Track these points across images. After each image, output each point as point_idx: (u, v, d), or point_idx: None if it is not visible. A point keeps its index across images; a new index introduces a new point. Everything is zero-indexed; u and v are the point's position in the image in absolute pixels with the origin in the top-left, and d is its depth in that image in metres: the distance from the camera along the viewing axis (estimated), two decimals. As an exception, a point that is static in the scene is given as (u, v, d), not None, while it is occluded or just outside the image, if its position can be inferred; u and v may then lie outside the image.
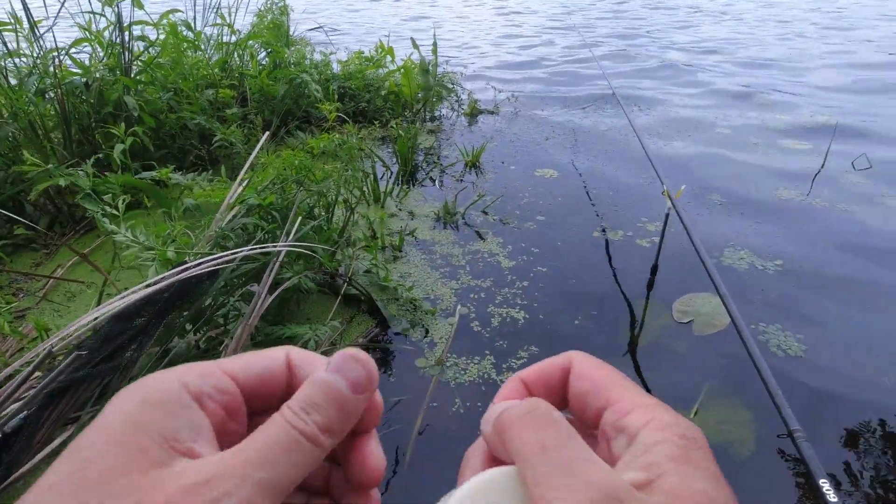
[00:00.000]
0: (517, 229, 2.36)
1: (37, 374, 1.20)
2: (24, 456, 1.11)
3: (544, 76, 5.12)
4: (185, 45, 2.95)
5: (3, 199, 2.15)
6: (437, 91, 3.93)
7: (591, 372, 0.28)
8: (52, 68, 2.30)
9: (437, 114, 4.08)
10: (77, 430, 1.23)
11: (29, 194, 2.01)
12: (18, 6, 2.33)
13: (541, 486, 0.21)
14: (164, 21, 2.79)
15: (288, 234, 1.59)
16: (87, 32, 2.58)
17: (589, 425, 0.28)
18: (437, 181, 2.90)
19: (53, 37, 2.40)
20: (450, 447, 1.35)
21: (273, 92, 3.24)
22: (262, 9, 3.72)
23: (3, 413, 1.12)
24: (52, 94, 2.31)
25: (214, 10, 3.22)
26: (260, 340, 1.58)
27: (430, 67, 3.86)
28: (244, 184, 1.86)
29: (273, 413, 0.28)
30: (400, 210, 2.56)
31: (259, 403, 0.27)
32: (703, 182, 2.76)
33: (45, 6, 2.55)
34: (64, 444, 1.21)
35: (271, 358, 0.27)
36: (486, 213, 2.51)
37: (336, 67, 3.94)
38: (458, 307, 1.83)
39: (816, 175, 2.82)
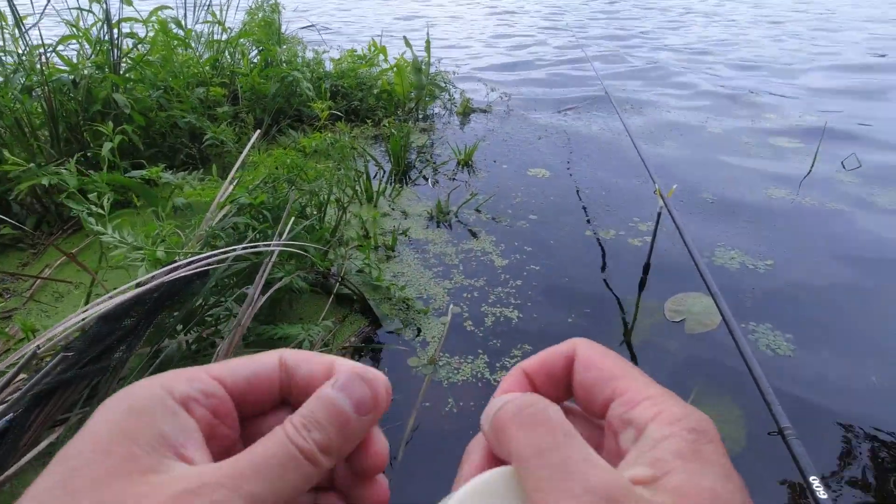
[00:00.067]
0: (510, 228, 2.36)
1: (22, 375, 1.18)
2: (9, 459, 1.09)
3: (537, 76, 5.13)
4: (175, 42, 2.91)
5: (-11, 198, 2.12)
6: (430, 90, 3.93)
7: (596, 360, 0.27)
8: (38, 65, 2.27)
9: (429, 112, 4.07)
10: (65, 431, 1.21)
11: (15, 194, 1.98)
12: (2, 2, 2.29)
13: (539, 491, 0.21)
14: (154, 18, 2.76)
15: (280, 234, 1.58)
16: (74, 29, 2.54)
17: (595, 415, 0.27)
18: (429, 180, 2.89)
19: (40, 33, 2.37)
20: (443, 447, 1.35)
21: (264, 90, 3.21)
22: (254, 6, 3.69)
23: (-11, 415, 1.10)
24: (39, 92, 2.28)
25: (205, 8, 3.19)
26: (252, 340, 1.56)
27: (423, 66, 3.85)
28: (235, 183, 1.84)
29: (268, 417, 0.27)
30: (393, 209, 2.55)
31: (251, 408, 0.27)
32: (694, 181, 2.78)
33: (31, 2, 2.51)
34: (51, 447, 1.19)
35: (261, 362, 0.27)
36: (479, 211, 2.51)
37: (328, 66, 3.92)
38: (451, 306, 1.83)
39: (807, 175, 2.85)
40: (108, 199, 1.74)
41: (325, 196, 2.00)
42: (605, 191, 2.71)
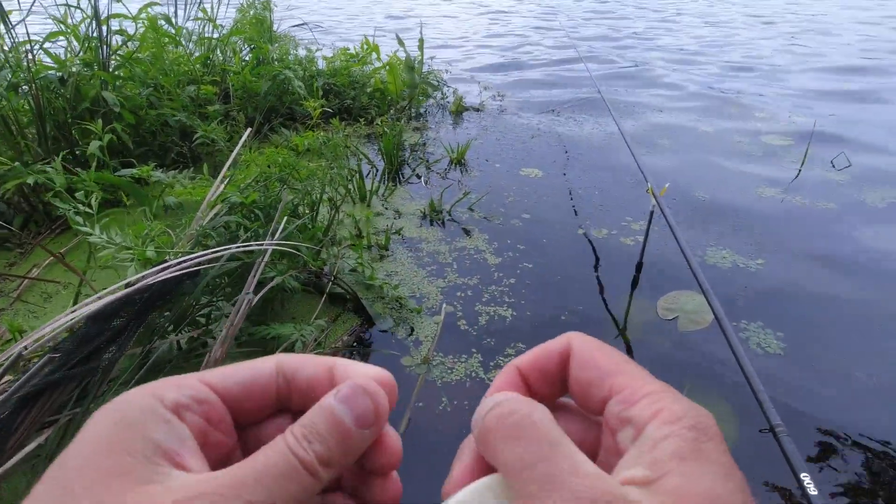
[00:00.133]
0: (502, 227, 2.36)
1: (8, 377, 1.16)
2: (-4, 462, 1.07)
3: (530, 76, 5.13)
4: (166, 39, 2.88)
5: (-25, 196, 2.09)
6: (423, 88, 3.92)
7: (592, 356, 0.26)
8: (25, 62, 2.24)
9: (422, 111, 4.06)
10: (54, 433, 1.20)
11: (1, 192, 1.95)
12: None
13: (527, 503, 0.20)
14: (143, 15, 2.73)
15: (272, 234, 1.57)
16: (62, 25, 2.51)
17: (593, 412, 0.27)
18: (423, 178, 2.89)
19: (26, 29, 2.33)
20: (436, 447, 1.34)
21: (256, 88, 3.19)
22: (245, 4, 3.67)
23: (-25, 418, 1.08)
24: (26, 89, 2.24)
25: (196, 5, 3.16)
26: (244, 341, 1.55)
27: (416, 65, 3.84)
28: (226, 181, 1.83)
29: (267, 424, 0.27)
30: (386, 208, 2.55)
31: (247, 415, 0.26)
32: (686, 181, 2.79)
33: (18, -2, 2.47)
34: (39, 449, 1.17)
35: (255, 368, 0.26)
36: (472, 210, 2.50)
37: (321, 64, 3.90)
38: (444, 305, 1.83)
39: (797, 175, 2.87)
40: (97, 197, 1.72)
41: (318, 195, 1.99)
42: (598, 190, 2.72)
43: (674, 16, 9.02)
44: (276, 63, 3.39)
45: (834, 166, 2.95)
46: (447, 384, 1.53)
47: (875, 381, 1.52)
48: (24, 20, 2.28)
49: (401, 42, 3.92)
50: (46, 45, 2.39)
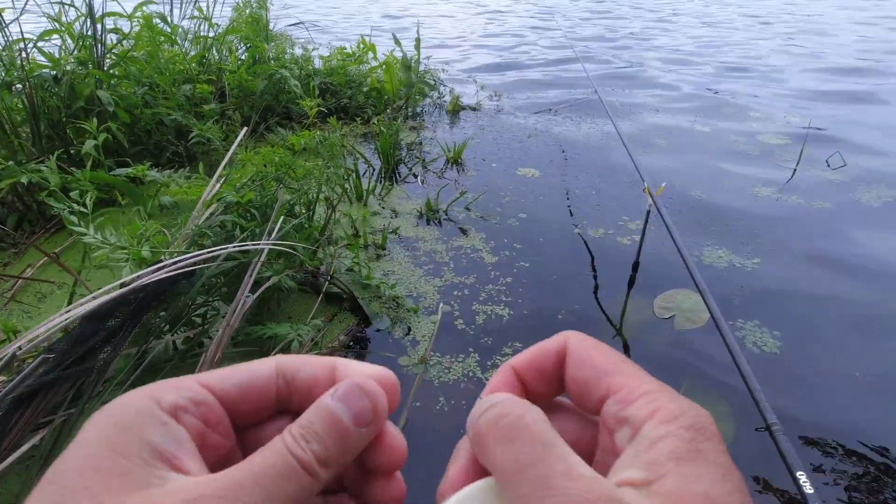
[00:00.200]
0: (499, 226, 2.36)
1: (1, 378, 1.15)
2: (-10, 463, 1.07)
3: (527, 76, 5.14)
4: (161, 38, 2.87)
5: (-32, 196, 2.07)
6: (420, 88, 3.92)
7: (589, 355, 0.26)
8: (18, 60, 2.22)
9: (419, 110, 4.06)
10: (49, 434, 1.19)
11: (-5, 191, 1.94)
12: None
13: None
14: (139, 13, 2.71)
15: (269, 233, 1.56)
16: (56, 23, 2.49)
17: (590, 412, 0.26)
18: (419, 178, 2.88)
19: (20, 28, 2.31)
20: (434, 447, 1.34)
21: (252, 87, 3.18)
22: (241, 2, 3.65)
23: (-32, 419, 1.08)
24: (20, 88, 2.23)
25: (191, 3, 3.14)
26: (240, 340, 1.55)
27: (413, 64, 3.84)
28: (222, 181, 1.82)
29: (267, 426, 0.27)
30: (383, 208, 2.54)
31: (246, 416, 0.26)
32: (682, 181, 2.80)
33: (12, -4, 2.45)
34: (34, 450, 1.16)
35: (253, 369, 0.26)
36: (468, 209, 2.50)
37: (317, 63, 3.89)
38: (441, 304, 1.83)
39: (792, 173, 2.88)
40: (91, 197, 1.71)
41: (315, 194, 1.99)
42: (595, 190, 2.72)
43: (670, 16, 9.04)
44: (272, 62, 3.38)
45: (829, 165, 2.96)
46: (444, 384, 1.53)
47: (871, 379, 1.53)
48: (17, 18, 2.27)
49: (397, 41, 3.91)
50: (40, 43, 2.37)
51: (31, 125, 2.26)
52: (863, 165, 2.96)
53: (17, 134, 2.25)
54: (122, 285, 1.21)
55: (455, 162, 3.07)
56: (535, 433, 0.22)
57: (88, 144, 2.07)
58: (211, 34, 3.27)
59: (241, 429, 0.26)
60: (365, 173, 2.90)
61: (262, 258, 1.49)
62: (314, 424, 0.23)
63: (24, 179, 1.86)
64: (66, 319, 1.16)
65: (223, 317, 1.41)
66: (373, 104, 3.88)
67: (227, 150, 2.05)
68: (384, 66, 3.85)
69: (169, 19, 2.94)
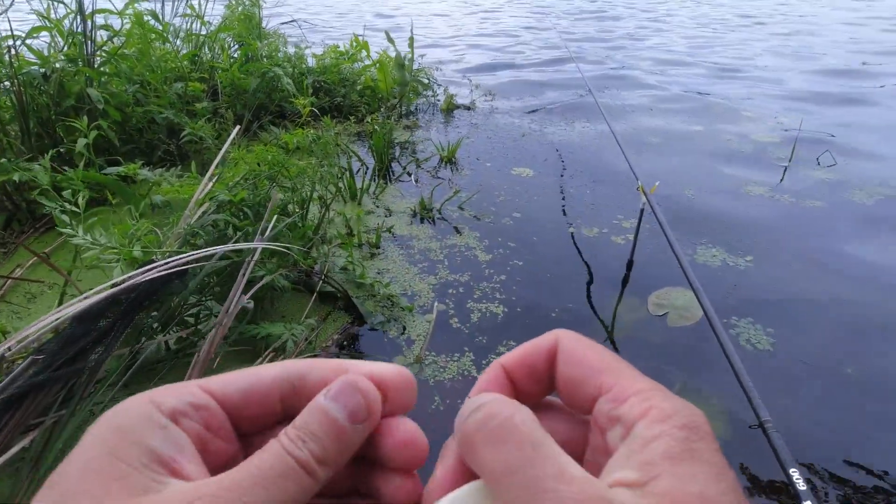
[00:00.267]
0: (493, 225, 2.36)
1: (-8, 379, 1.13)
2: (-21, 466, 1.05)
3: (521, 75, 5.14)
4: (153, 35, 2.84)
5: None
6: (413, 86, 3.91)
7: (580, 354, 0.26)
8: (7, 57, 2.19)
9: (413, 109, 4.05)
10: (39, 435, 1.18)
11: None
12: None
13: None
14: (130, 10, 2.69)
15: (262, 232, 1.55)
16: (45, 20, 2.46)
17: (581, 411, 0.26)
18: (413, 177, 2.88)
19: (9, 24, 2.28)
20: (430, 447, 1.34)
21: (245, 86, 3.16)
22: (234, 0, 3.63)
23: (-44, 421, 1.06)
24: (8, 85, 2.20)
25: (184, 1, 3.12)
26: (234, 340, 1.54)
27: (406, 62, 3.83)
28: (214, 179, 1.81)
29: (274, 431, 0.26)
30: (377, 206, 2.54)
31: (250, 422, 0.26)
32: (675, 180, 2.82)
33: (0, -8, 2.42)
34: (24, 451, 1.15)
35: (258, 374, 0.26)
36: (462, 208, 2.50)
37: (311, 61, 3.88)
38: (436, 303, 1.82)
39: (784, 171, 2.90)
40: (84, 196, 1.69)
41: (308, 193, 1.98)
42: (589, 189, 2.73)
43: (664, 16, 9.08)
44: (265, 60, 3.36)
45: (819, 164, 2.98)
46: (440, 383, 1.53)
47: (862, 374, 1.54)
48: (5, 12, 2.24)
49: (390, 39, 3.90)
50: (29, 40, 2.35)
51: (19, 123, 2.23)
52: (854, 164, 2.99)
53: (6, 132, 2.22)
54: (113, 286, 1.20)
55: (449, 161, 3.06)
56: (525, 434, 0.21)
57: (80, 143, 2.04)
58: (203, 32, 3.25)
59: (247, 434, 0.26)
60: (358, 172, 2.90)
61: (255, 257, 1.48)
62: (310, 425, 0.23)
63: (16, 177, 1.83)
64: (56, 320, 1.14)
65: (216, 316, 1.40)
66: (366, 103, 3.86)
67: (220, 149, 2.04)
68: (378, 65, 3.84)
69: (160, 16, 2.92)
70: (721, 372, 1.53)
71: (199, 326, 1.49)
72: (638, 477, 0.20)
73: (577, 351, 0.26)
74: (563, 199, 2.63)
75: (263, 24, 3.79)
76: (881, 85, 4.63)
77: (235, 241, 1.50)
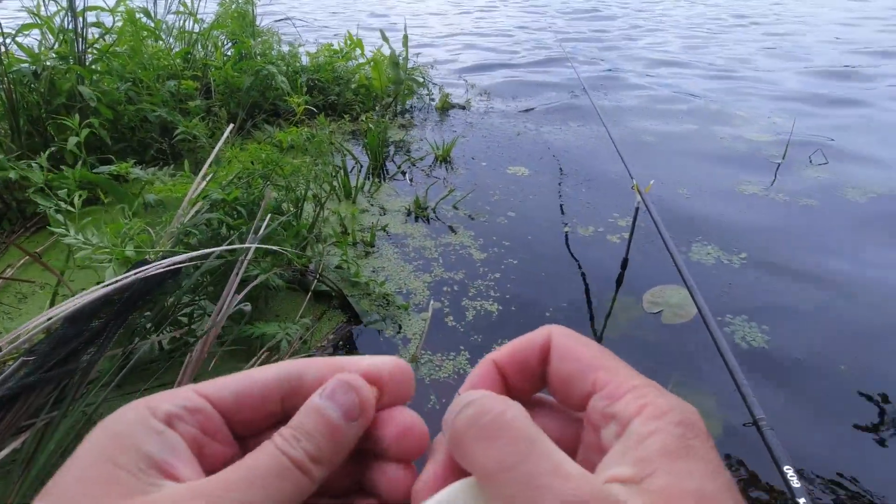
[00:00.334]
0: (488, 224, 2.36)
1: (-18, 380, 1.12)
2: (-31, 468, 1.04)
3: (516, 75, 5.13)
4: (145, 33, 2.82)
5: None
6: (408, 85, 3.90)
7: (574, 350, 0.25)
8: (-3, 55, 2.17)
9: (407, 107, 4.04)
10: (31, 437, 1.16)
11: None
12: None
13: None
14: (122, 7, 2.66)
15: (255, 231, 1.54)
16: (35, 17, 2.44)
17: (573, 408, 0.26)
18: (408, 176, 2.87)
19: (-2, 21, 2.26)
20: (429, 435, 1.34)
21: (238, 84, 3.14)
22: (227, -3, 3.60)
23: (-54, 423, 1.05)
24: (-2, 83, 2.17)
25: (175, -2, 3.10)
26: (227, 340, 1.53)
27: (401, 61, 3.82)
28: (208, 178, 1.79)
29: (273, 433, 0.26)
30: (371, 205, 2.53)
31: (247, 424, 0.26)
32: (670, 178, 2.82)
33: (-11, -11, 2.39)
34: (15, 454, 1.14)
35: (253, 376, 0.26)
36: (456, 208, 2.50)
37: (305, 60, 3.86)
38: (431, 302, 1.82)
39: (777, 169, 2.92)
40: (80, 196, 1.68)
41: (303, 192, 1.97)
42: (584, 188, 2.73)
43: (659, 16, 9.10)
44: (258, 58, 3.34)
45: (811, 162, 3.00)
46: (435, 381, 1.53)
47: (856, 372, 1.55)
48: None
49: (384, 37, 3.88)
50: (19, 37, 2.32)
51: (9, 121, 2.21)
52: (848, 164, 3.01)
53: (-4, 130, 2.20)
54: (106, 286, 1.19)
55: (444, 160, 3.06)
56: (519, 430, 0.21)
57: (72, 141, 2.02)
58: (196, 29, 3.22)
59: (245, 437, 0.26)
60: (353, 170, 2.89)
61: (249, 256, 1.47)
62: (305, 424, 0.24)
63: (12, 175, 1.81)
64: (48, 320, 1.13)
65: (209, 316, 1.40)
66: (361, 101, 3.85)
67: (213, 148, 2.02)
68: (372, 63, 3.82)
69: (152, 14, 2.89)
70: (715, 369, 1.54)
71: (192, 326, 1.48)
72: (634, 473, 0.20)
73: (571, 347, 0.26)
74: (559, 197, 2.63)
75: (257, 22, 3.77)
76: (876, 86, 4.66)
77: (229, 240, 1.49)
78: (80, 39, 2.41)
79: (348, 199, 2.56)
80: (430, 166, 2.99)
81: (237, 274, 1.42)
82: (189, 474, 0.22)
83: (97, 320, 1.18)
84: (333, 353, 1.64)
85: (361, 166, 2.94)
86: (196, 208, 1.67)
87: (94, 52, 2.54)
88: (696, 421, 0.22)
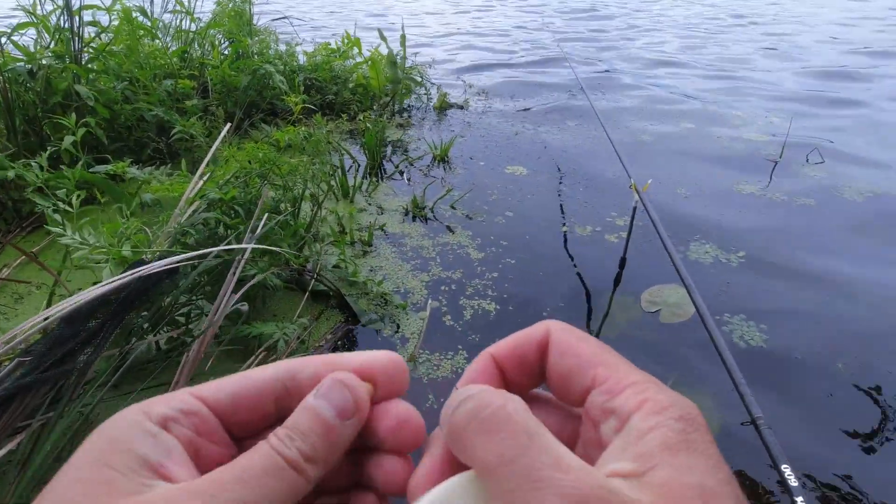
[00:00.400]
0: (486, 223, 2.36)
1: (-22, 381, 1.11)
2: (-35, 469, 1.03)
3: (514, 74, 5.13)
4: (141, 32, 2.81)
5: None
6: (406, 84, 3.89)
7: (573, 345, 0.25)
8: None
9: (405, 107, 4.04)
10: (27, 438, 1.16)
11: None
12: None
13: (509, 503, 0.19)
14: (118, 6, 2.65)
15: (252, 231, 1.54)
16: (31, 16, 2.42)
17: (572, 403, 0.26)
18: (405, 175, 2.87)
19: (-6, 20, 2.25)
20: (425, 426, 1.34)
21: (236, 83, 3.13)
22: (224, -4, 3.59)
23: (-59, 424, 1.04)
24: (-6, 82, 2.16)
25: (172, -3, 3.08)
26: (225, 340, 1.52)
27: (399, 60, 3.81)
28: (205, 178, 1.79)
29: (269, 434, 0.27)
30: (369, 205, 2.52)
31: (244, 425, 0.26)
32: (668, 178, 2.83)
33: (-16, -12, 2.38)
34: (11, 455, 1.13)
35: (248, 377, 0.26)
36: (454, 207, 2.49)
37: (302, 59, 3.85)
38: (429, 301, 1.82)
39: (774, 168, 2.93)
40: (79, 196, 1.67)
41: (300, 191, 1.96)
42: (583, 187, 2.73)
43: (657, 16, 9.11)
44: (256, 57, 3.33)
45: (808, 161, 3.01)
46: (433, 381, 1.53)
47: (854, 370, 1.55)
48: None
49: (382, 36, 3.88)
50: (15, 36, 2.31)
51: (5, 120, 2.19)
52: (845, 164, 3.02)
53: (-9, 130, 2.19)
54: (104, 286, 1.18)
55: (442, 159, 3.05)
56: (519, 424, 0.21)
57: (67, 140, 2.02)
58: (193, 28, 3.21)
59: (243, 438, 0.26)
60: (350, 169, 2.88)
61: (246, 256, 1.47)
62: (299, 424, 0.24)
63: (10, 174, 1.80)
64: (45, 320, 1.12)
65: (206, 315, 1.39)
66: (358, 100, 3.84)
67: (210, 147, 2.02)
68: (370, 62, 3.82)
69: (149, 12, 2.88)
70: (714, 369, 1.54)
71: (189, 326, 1.48)
72: (635, 468, 0.20)
73: (570, 342, 0.26)
74: (557, 197, 2.63)
75: (254, 21, 3.76)
76: (874, 86, 4.67)
77: (226, 240, 1.48)
78: (77, 38, 2.40)
79: (346, 198, 2.55)
80: (428, 166, 2.99)
81: (234, 273, 1.41)
82: (184, 475, 0.22)
83: (94, 320, 1.18)
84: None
85: (359, 166, 2.93)
86: (193, 208, 1.67)
87: (91, 50, 2.53)
88: (697, 416, 0.22)
